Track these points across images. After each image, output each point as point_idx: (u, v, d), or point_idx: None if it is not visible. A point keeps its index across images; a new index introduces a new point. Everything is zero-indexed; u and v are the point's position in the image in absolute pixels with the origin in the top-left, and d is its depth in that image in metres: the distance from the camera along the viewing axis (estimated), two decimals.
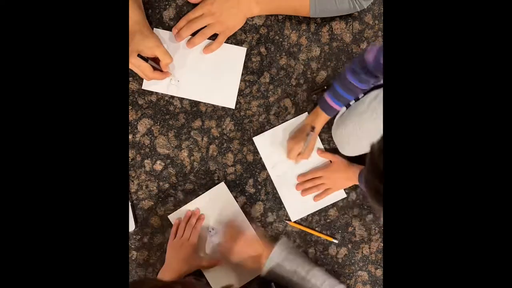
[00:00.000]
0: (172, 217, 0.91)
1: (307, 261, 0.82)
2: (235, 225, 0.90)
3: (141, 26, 0.81)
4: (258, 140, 0.91)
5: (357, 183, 0.89)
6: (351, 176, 0.89)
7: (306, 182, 0.92)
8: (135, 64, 0.82)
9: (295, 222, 0.93)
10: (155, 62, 0.84)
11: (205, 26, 0.87)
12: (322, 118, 0.87)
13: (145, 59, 0.82)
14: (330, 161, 0.92)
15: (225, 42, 0.90)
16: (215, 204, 0.91)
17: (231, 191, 0.92)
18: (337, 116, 0.87)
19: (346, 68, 0.79)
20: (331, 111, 0.85)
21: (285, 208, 0.93)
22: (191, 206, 0.91)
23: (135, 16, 0.81)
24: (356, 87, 0.78)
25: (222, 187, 0.91)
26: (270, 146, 0.92)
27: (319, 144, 0.92)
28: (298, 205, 0.92)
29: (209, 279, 0.91)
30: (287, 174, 0.92)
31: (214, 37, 0.89)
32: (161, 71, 0.85)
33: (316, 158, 0.92)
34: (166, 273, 0.85)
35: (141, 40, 0.80)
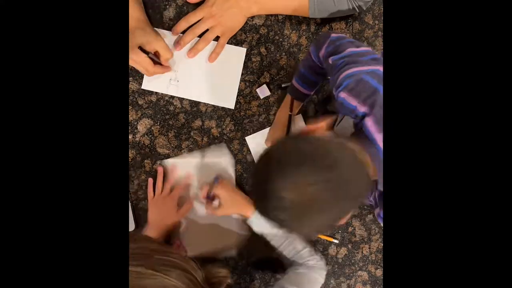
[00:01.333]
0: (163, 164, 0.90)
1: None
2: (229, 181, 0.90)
3: (141, 23, 0.82)
4: (250, 140, 0.92)
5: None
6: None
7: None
8: (136, 60, 0.82)
9: None
10: (155, 57, 0.85)
11: (206, 30, 0.87)
12: (294, 104, 0.87)
13: (146, 53, 0.83)
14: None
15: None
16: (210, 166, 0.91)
17: None
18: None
19: (310, 46, 0.76)
20: (299, 95, 0.84)
21: None
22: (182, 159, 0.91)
23: (135, 13, 0.82)
24: (319, 66, 0.76)
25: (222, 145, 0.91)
26: (262, 145, 0.91)
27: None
28: None
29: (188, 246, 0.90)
30: None
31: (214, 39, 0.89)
32: (162, 65, 0.86)
33: None
34: (150, 231, 0.85)
35: (142, 35, 0.81)
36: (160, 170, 0.90)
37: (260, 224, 0.84)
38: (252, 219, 0.85)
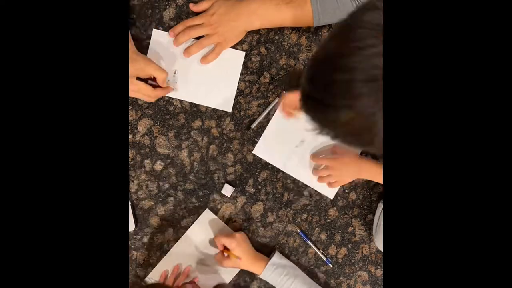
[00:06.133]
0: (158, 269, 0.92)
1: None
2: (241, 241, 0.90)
3: (129, 52, 0.83)
4: (258, 151, 0.92)
5: (361, 177, 0.90)
6: (359, 171, 0.88)
7: (316, 171, 0.92)
8: (135, 89, 0.83)
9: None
10: (153, 81, 0.86)
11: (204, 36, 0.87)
12: None
13: (145, 81, 0.84)
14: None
15: None
16: (205, 230, 0.92)
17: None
18: None
19: None
20: None
21: (284, 208, 0.93)
22: (183, 241, 0.92)
23: None
24: None
25: (207, 213, 0.92)
26: (270, 150, 0.92)
27: None
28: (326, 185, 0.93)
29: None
30: (299, 165, 0.93)
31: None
32: (161, 87, 0.86)
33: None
34: None
35: (134, 65, 0.81)
36: (174, 270, 0.92)
37: (272, 279, 0.89)
38: (263, 275, 0.89)
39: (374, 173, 0.87)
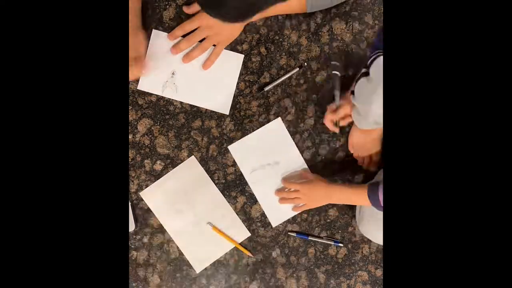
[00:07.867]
0: (145, 193, 0.91)
1: None
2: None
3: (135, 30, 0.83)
4: (233, 149, 0.92)
5: (332, 202, 0.89)
6: (328, 195, 0.87)
7: (283, 192, 0.92)
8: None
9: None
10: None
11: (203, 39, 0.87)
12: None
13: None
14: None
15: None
16: (189, 178, 0.91)
17: (230, 191, 0.92)
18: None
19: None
20: None
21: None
22: (163, 180, 0.91)
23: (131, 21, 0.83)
24: None
25: (192, 161, 0.91)
26: (245, 153, 0.91)
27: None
28: (277, 211, 0.93)
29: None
30: (264, 180, 0.92)
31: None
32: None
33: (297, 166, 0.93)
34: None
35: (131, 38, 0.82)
36: None
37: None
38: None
39: (345, 197, 0.86)
